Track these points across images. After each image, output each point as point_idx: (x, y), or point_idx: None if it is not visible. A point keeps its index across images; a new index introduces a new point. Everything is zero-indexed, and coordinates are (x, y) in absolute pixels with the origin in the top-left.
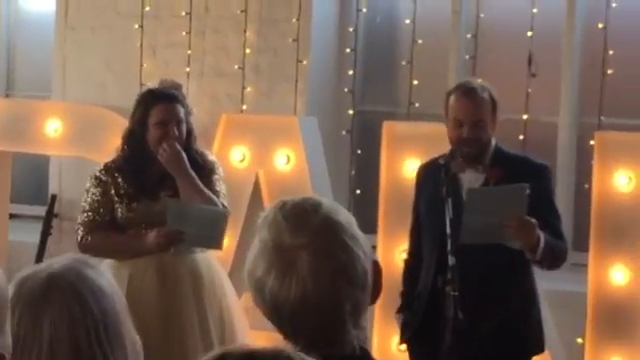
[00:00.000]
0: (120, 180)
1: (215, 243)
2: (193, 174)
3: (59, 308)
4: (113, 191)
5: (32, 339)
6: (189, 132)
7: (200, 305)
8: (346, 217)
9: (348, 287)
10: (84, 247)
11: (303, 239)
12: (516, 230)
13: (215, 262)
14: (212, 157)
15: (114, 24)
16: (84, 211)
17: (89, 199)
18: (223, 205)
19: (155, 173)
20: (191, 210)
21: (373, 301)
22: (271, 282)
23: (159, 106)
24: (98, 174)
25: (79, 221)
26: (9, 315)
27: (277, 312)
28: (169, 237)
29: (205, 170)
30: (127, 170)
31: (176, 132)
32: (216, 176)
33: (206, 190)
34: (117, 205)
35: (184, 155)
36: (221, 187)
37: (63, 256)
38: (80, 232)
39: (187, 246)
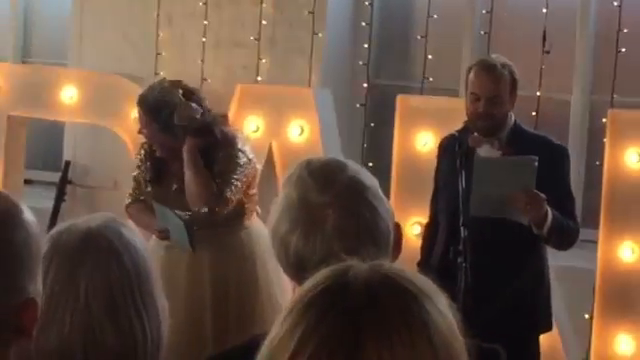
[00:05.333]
0: (146, 164)
1: (187, 246)
2: (201, 163)
3: (96, 263)
4: (143, 170)
5: (68, 292)
6: (200, 124)
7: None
8: (370, 179)
9: (372, 247)
10: (126, 212)
11: (329, 197)
12: (524, 203)
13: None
14: (235, 133)
15: None
16: (133, 179)
17: (136, 171)
18: (220, 188)
19: (171, 167)
20: (167, 215)
21: (392, 262)
22: (295, 239)
23: None
24: (141, 153)
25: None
26: (41, 265)
27: (300, 268)
28: (158, 234)
29: (218, 150)
30: (153, 159)
31: (144, 135)
32: (231, 152)
33: (205, 179)
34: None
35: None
36: (227, 166)
37: (99, 214)
38: (127, 199)
39: (173, 243)
